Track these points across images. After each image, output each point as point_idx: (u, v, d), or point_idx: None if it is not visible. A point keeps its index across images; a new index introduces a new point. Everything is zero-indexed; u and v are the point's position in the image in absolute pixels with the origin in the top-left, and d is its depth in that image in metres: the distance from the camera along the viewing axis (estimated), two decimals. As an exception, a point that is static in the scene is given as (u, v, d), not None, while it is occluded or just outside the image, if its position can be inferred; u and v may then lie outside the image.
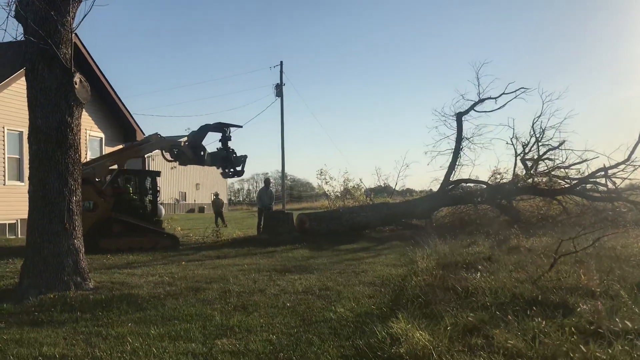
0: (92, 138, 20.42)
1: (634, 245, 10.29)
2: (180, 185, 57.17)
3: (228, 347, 5.00)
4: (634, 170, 18.03)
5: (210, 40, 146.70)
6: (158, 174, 16.22)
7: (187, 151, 14.78)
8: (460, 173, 20.41)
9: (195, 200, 59.79)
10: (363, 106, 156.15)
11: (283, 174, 43.10)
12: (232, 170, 15.73)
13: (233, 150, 15.57)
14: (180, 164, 15.64)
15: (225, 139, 15.48)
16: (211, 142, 16.72)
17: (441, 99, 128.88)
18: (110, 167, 14.40)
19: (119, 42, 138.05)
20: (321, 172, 22.81)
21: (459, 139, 20.21)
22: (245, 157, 15.82)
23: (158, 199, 16.27)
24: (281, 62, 39.59)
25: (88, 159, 16.74)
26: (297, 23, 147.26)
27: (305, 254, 12.53)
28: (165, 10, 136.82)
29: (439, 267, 8.92)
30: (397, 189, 24.36)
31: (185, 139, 15.24)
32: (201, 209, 55.92)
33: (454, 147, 20.26)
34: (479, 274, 7.70)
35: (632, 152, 17.77)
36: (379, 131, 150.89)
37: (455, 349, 4.49)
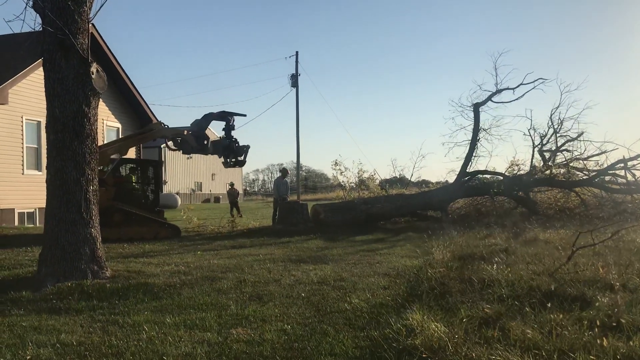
0: (109, 128, 20.57)
1: (653, 238, 10.13)
2: (196, 176, 57.51)
3: (243, 337, 5.01)
4: (654, 162, 17.76)
5: (226, 30, 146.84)
6: (160, 163, 16.05)
7: (190, 140, 14.72)
8: (477, 164, 20.25)
9: (211, 191, 60.11)
10: (379, 97, 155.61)
11: (298, 165, 43.17)
12: (233, 159, 15.58)
13: (236, 139, 15.44)
14: (183, 152, 15.59)
15: (229, 128, 15.35)
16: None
17: (458, 90, 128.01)
18: (112, 156, 14.33)
19: (135, 32, 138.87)
20: (336, 163, 22.69)
21: (476, 129, 20.02)
22: (247, 147, 15.67)
23: (161, 189, 16.15)
24: (297, 52, 39.77)
25: None
26: (313, 13, 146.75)
27: (320, 244, 12.53)
28: (182, 0, 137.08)
29: (454, 258, 8.88)
30: (412, 180, 24.20)
31: (189, 127, 15.12)
32: (217, 199, 56.19)
33: (470, 138, 20.07)
34: (495, 265, 7.63)
35: (652, 144, 17.48)
36: (395, 122, 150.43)
37: (471, 341, 4.46)
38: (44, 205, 8.24)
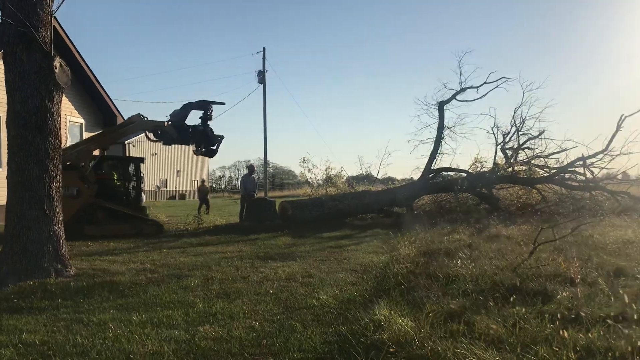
0: (72, 124, 20.11)
1: (610, 233, 10.48)
2: (161, 172, 56.75)
3: (211, 334, 5.00)
4: (611, 160, 18.34)
5: (192, 26, 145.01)
6: (142, 160, 16.04)
7: (171, 131, 14.72)
8: (442, 162, 20.59)
9: (176, 187, 59.43)
10: (346, 95, 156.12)
11: (265, 162, 43.02)
12: (204, 148, 15.49)
13: (211, 128, 15.38)
14: (164, 143, 15.58)
15: (206, 117, 15.33)
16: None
17: (424, 88, 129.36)
18: (94, 152, 14.19)
19: (99, 28, 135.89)
20: (304, 160, 22.82)
21: (441, 127, 20.33)
22: (221, 137, 15.64)
23: (142, 185, 16.12)
24: (264, 48, 39.52)
25: (68, 145, 16.49)
26: (281, 10, 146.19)
27: (287, 241, 12.54)
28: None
29: (420, 254, 9.02)
30: (379, 177, 24.50)
31: (169, 119, 15.08)
32: (182, 196, 55.60)
33: (435, 136, 20.39)
34: (459, 261, 7.78)
35: (609, 142, 18.06)
36: (362, 120, 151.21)
37: (437, 335, 4.54)
38: (4, 202, 8.05)
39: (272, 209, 17.76)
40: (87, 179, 13.62)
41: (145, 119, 14.74)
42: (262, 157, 41.72)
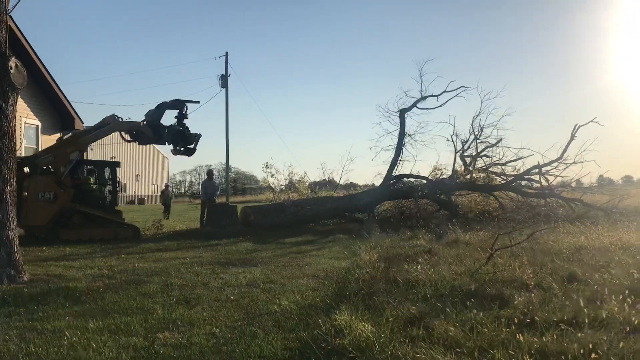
0: (28, 126, 19.52)
1: (564, 239, 10.79)
2: (120, 176, 55.65)
3: (170, 341, 4.93)
4: (565, 168, 18.97)
5: (155, 28, 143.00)
6: (118, 164, 15.98)
7: (147, 131, 14.94)
8: (403, 168, 20.94)
9: (135, 192, 58.44)
10: (309, 101, 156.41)
11: (227, 166, 42.66)
12: (182, 148, 15.75)
13: (187, 127, 15.62)
14: (139, 143, 15.81)
15: (181, 116, 15.58)
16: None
17: (386, 95, 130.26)
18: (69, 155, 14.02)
19: (58, 29, 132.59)
20: (267, 165, 22.75)
21: (402, 135, 20.63)
22: (199, 135, 15.89)
23: (118, 189, 16.13)
24: (226, 52, 39.34)
25: (23, 148, 16.08)
26: (245, 15, 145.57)
27: (249, 247, 12.48)
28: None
29: (381, 260, 9.10)
30: (341, 182, 24.63)
31: (144, 119, 15.21)
32: (141, 201, 54.70)
33: (396, 143, 20.65)
34: (419, 266, 7.89)
35: (564, 151, 18.69)
36: (325, 126, 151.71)
37: (397, 340, 4.60)
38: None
39: (233, 214, 17.65)
40: (63, 183, 13.53)
41: (120, 119, 14.76)
42: (224, 161, 41.33)
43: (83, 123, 21.56)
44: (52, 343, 4.87)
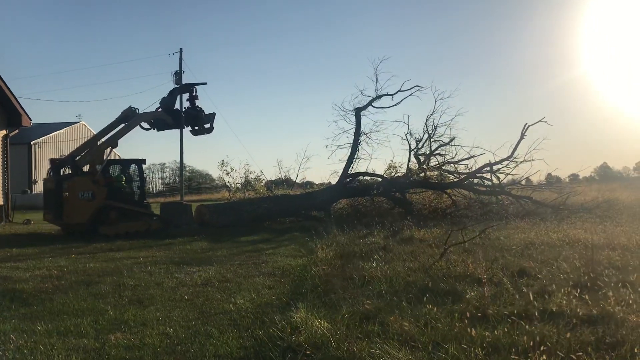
0: (-30, 122, 18.76)
1: (515, 235, 11.09)
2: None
3: (122, 342, 4.82)
4: (516, 167, 19.50)
5: (109, 22, 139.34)
6: (144, 161, 16.41)
7: (166, 118, 16.63)
8: (358, 166, 21.04)
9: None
10: (266, 99, 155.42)
11: (182, 164, 41.99)
12: (201, 128, 17.32)
13: (201, 108, 17.19)
14: (158, 130, 16.96)
15: (192, 98, 17.14)
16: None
17: (342, 93, 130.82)
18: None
19: (5, 22, 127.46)
20: (223, 163, 22.48)
21: (357, 133, 20.74)
22: (214, 114, 17.44)
23: (146, 184, 16.86)
24: (181, 49, 38.60)
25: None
26: (200, 12, 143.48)
27: (204, 246, 12.32)
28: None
29: (337, 257, 9.14)
30: (297, 181, 24.62)
31: (159, 106, 16.90)
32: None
33: (352, 141, 20.76)
34: (375, 263, 7.97)
35: (514, 150, 19.21)
36: (281, 124, 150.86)
37: (353, 336, 4.62)
38: None
39: (188, 213, 17.49)
40: (98, 182, 14.43)
41: (137, 110, 16.27)
42: (178, 159, 40.65)
43: (30, 120, 20.86)
44: (-4, 347, 4.70)
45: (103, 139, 15.87)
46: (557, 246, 9.53)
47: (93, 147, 15.48)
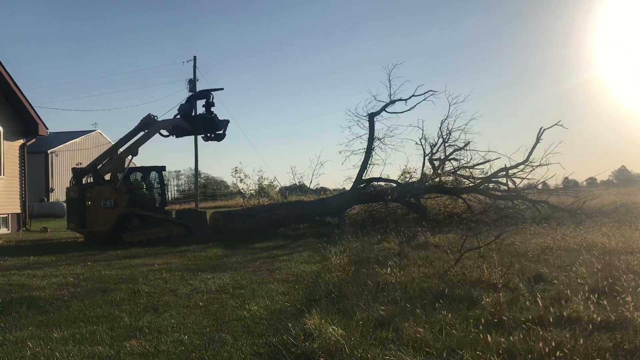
0: (-12, 131, 19.04)
1: (531, 240, 10.99)
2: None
3: (137, 349, 4.84)
4: (531, 171, 19.32)
5: (122, 32, 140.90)
6: (164, 168, 16.61)
7: (184, 124, 16.81)
8: (372, 172, 20.95)
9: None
10: (279, 105, 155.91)
11: (196, 172, 42.29)
12: (213, 134, 17.39)
13: (215, 115, 17.24)
14: (176, 137, 17.18)
15: (208, 104, 17.20)
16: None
17: (355, 99, 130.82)
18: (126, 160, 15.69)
19: (23, 32, 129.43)
20: (236, 170, 22.54)
21: (371, 138, 20.70)
22: (227, 121, 17.54)
23: (167, 191, 17.01)
24: (194, 57, 38.96)
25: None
26: (214, 21, 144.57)
27: (218, 252, 12.36)
28: (74, 1, 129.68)
29: (351, 263, 9.12)
30: (311, 187, 24.58)
31: (177, 113, 17.11)
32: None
33: (366, 147, 20.73)
34: (389, 269, 7.93)
35: (530, 154, 19.03)
36: (295, 130, 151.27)
37: (367, 342, 4.60)
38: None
39: (203, 220, 17.54)
40: (119, 190, 14.56)
41: (156, 118, 16.43)
42: (193, 167, 40.92)
43: (47, 129, 21.13)
44: (13, 354, 4.75)
45: (123, 148, 16.02)
46: (574, 251, 9.42)
47: (114, 156, 15.66)
